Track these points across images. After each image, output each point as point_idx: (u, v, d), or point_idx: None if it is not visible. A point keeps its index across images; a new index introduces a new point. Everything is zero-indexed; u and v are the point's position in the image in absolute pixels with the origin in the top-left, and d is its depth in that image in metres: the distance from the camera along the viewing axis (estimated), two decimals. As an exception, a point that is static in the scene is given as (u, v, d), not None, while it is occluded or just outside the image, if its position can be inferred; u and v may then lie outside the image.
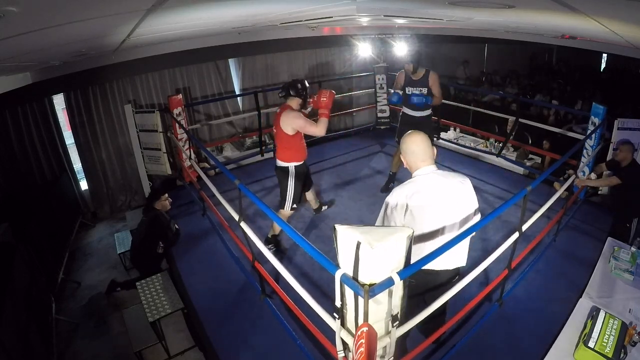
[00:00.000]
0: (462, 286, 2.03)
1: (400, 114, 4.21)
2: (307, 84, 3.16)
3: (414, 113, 4.02)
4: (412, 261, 1.65)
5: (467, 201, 1.94)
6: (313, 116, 3.21)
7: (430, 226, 1.89)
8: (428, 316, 1.84)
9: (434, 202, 1.86)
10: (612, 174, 3.51)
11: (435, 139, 5.91)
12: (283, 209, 3.38)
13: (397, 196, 1.87)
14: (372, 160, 5.48)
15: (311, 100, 3.18)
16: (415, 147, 1.90)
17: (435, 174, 1.90)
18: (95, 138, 4.69)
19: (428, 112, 4.06)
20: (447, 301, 1.95)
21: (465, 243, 2.00)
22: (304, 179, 3.43)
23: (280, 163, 3.27)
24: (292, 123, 3.05)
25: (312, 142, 6.14)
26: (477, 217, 2.01)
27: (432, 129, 4.32)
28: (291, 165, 3.23)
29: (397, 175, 4.44)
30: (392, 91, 3.93)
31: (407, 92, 3.90)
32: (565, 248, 3.42)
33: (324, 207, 4.17)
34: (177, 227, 3.75)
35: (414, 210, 1.85)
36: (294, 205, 3.37)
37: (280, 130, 3.11)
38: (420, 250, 1.84)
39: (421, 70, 3.91)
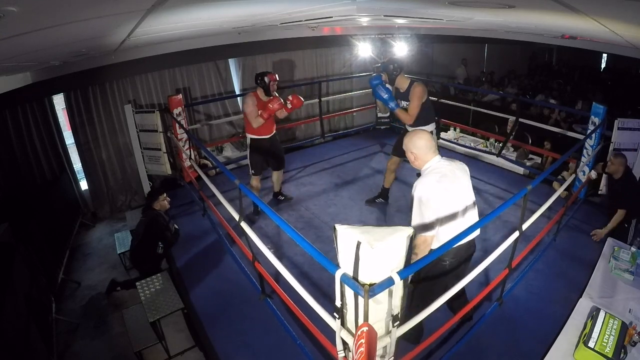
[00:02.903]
0: (463, 285, 2.07)
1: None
2: (265, 77, 3.63)
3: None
4: (448, 238, 1.88)
5: (469, 181, 2.15)
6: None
7: (458, 205, 2.06)
8: (457, 292, 2.04)
9: (456, 184, 2.04)
10: (607, 180, 3.57)
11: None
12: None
13: (427, 185, 1.98)
14: (372, 160, 5.48)
15: (289, 102, 3.72)
16: (423, 142, 2.04)
17: (443, 161, 2.07)
18: (95, 138, 4.68)
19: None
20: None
21: (475, 216, 2.18)
22: (264, 154, 3.86)
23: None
24: (243, 104, 3.73)
25: (312, 142, 6.21)
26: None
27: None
28: (249, 136, 3.81)
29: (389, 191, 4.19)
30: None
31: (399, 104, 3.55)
32: (565, 248, 3.42)
33: (281, 198, 4.41)
34: (176, 227, 3.75)
35: (446, 193, 1.99)
36: (253, 172, 3.90)
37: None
38: (454, 227, 2.03)
39: (404, 80, 3.55)
